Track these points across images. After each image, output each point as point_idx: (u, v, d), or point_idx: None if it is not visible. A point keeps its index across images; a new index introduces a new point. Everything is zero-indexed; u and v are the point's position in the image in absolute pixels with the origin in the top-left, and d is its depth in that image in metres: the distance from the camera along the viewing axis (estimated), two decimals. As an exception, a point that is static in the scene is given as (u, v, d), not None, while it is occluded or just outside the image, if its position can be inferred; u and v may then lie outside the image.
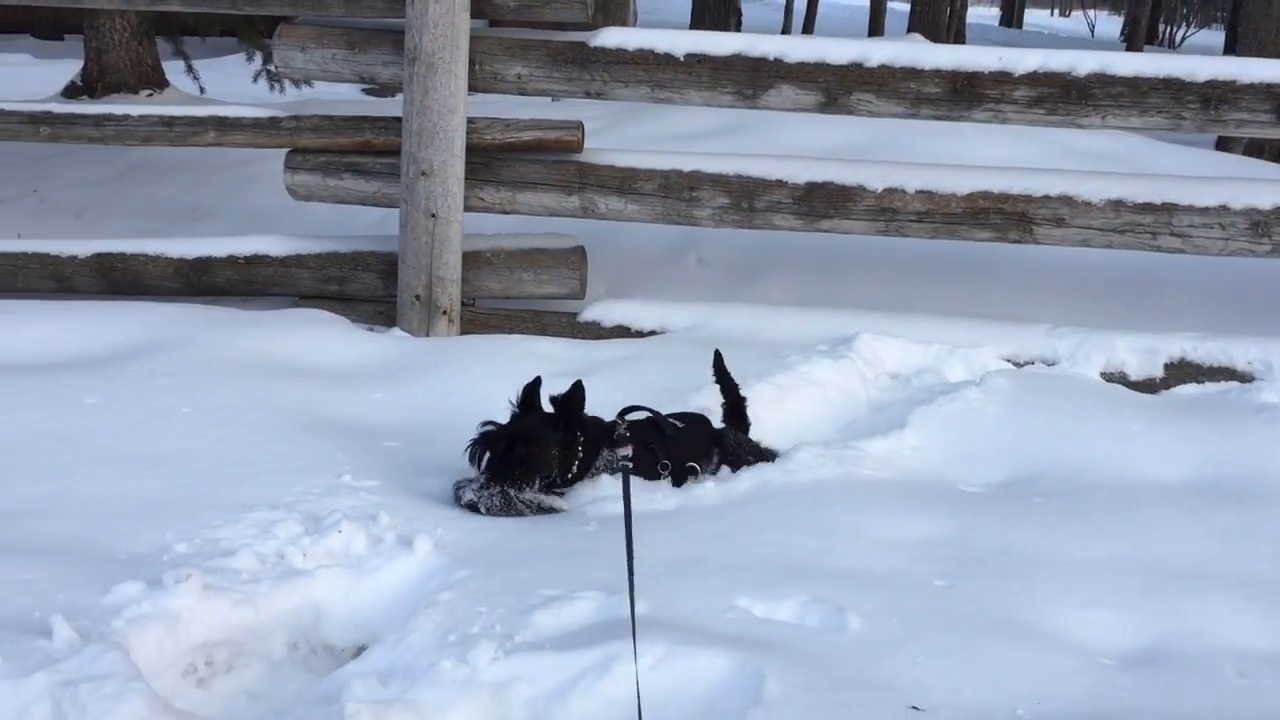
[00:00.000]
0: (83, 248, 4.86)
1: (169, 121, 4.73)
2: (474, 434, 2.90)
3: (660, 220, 4.58)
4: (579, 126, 4.52)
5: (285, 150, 4.73)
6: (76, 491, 2.76)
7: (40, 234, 5.27)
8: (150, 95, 7.92)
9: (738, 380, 3.50)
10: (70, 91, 8.05)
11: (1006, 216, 4.37)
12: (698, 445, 3.23)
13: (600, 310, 4.68)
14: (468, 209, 4.54)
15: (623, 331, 4.59)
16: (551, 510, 2.95)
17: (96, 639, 2.01)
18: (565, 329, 4.62)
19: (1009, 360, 4.19)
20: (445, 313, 4.51)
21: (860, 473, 3.19)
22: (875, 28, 21.22)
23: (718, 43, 4.37)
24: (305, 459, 3.06)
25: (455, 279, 4.51)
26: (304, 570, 2.49)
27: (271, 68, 6.98)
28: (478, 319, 4.67)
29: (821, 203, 4.43)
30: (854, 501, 2.95)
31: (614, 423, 3.10)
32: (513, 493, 2.87)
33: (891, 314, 4.47)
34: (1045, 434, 3.48)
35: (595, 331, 4.60)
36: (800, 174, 4.45)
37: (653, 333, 4.57)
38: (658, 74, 4.36)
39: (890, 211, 4.41)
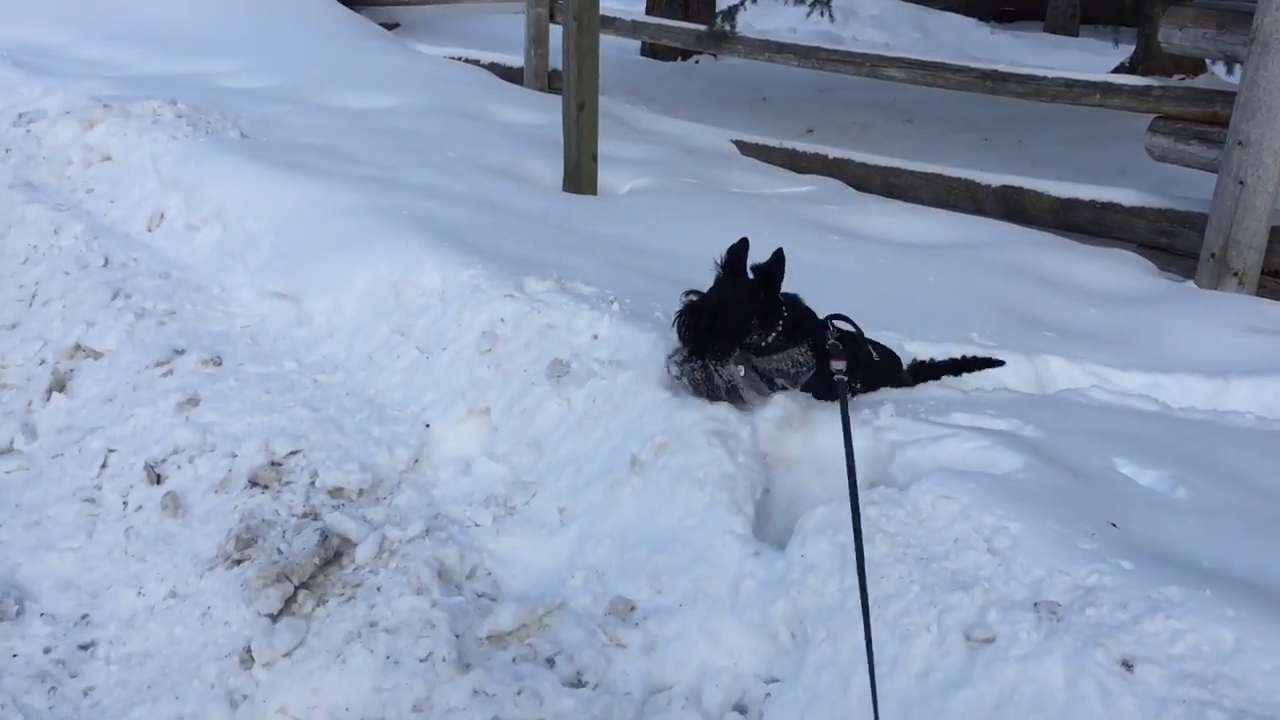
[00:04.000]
0: (994, 179, 6.24)
1: (1069, 84, 5.81)
2: (679, 304, 3.04)
3: None
4: None
5: (1152, 115, 5.49)
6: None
7: (1001, 172, 6.72)
8: (1182, 78, 8.73)
9: None
10: (1117, 71, 9.27)
11: None
12: (879, 381, 3.36)
13: None
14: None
15: None
16: (739, 391, 3.06)
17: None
18: (1361, 310, 4.67)
19: None
20: (1236, 275, 4.91)
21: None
22: None
23: None
24: (961, 323, 4.09)
25: (1254, 245, 4.87)
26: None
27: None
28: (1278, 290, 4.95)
29: None
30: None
31: (826, 323, 3.16)
32: (712, 366, 3.00)
33: None
34: None
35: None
36: None
37: None
38: None
39: None
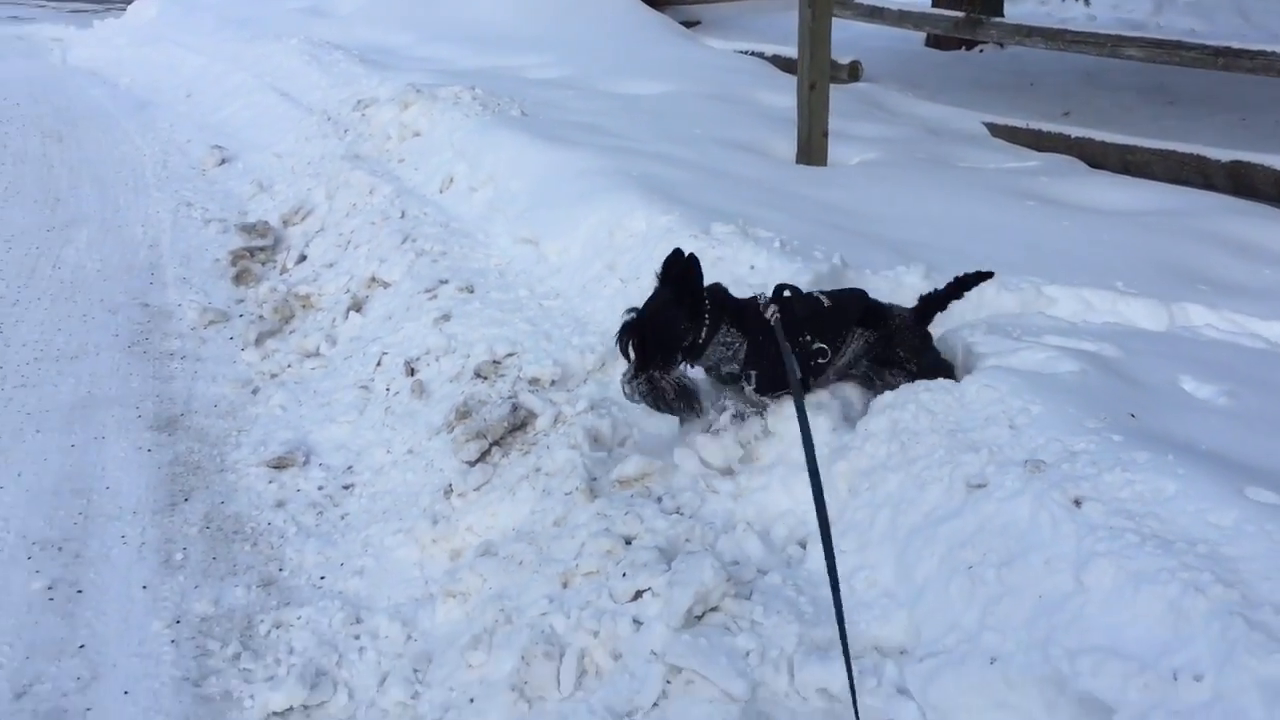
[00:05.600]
0: (1224, 154, 6.31)
1: (1294, 59, 5.82)
2: (620, 322, 3.23)
3: None
4: None
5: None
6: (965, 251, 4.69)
7: (1244, 149, 6.73)
8: None
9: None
10: None
11: None
12: (834, 327, 3.30)
13: None
14: None
15: None
16: (692, 392, 3.32)
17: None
18: None
19: None
20: None
21: None
22: None
23: None
24: (1108, 273, 4.40)
25: None
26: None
27: None
28: None
29: None
30: None
31: (755, 298, 3.32)
32: (657, 375, 3.23)
33: None
34: None
35: None
36: None
37: None
38: None
39: None
